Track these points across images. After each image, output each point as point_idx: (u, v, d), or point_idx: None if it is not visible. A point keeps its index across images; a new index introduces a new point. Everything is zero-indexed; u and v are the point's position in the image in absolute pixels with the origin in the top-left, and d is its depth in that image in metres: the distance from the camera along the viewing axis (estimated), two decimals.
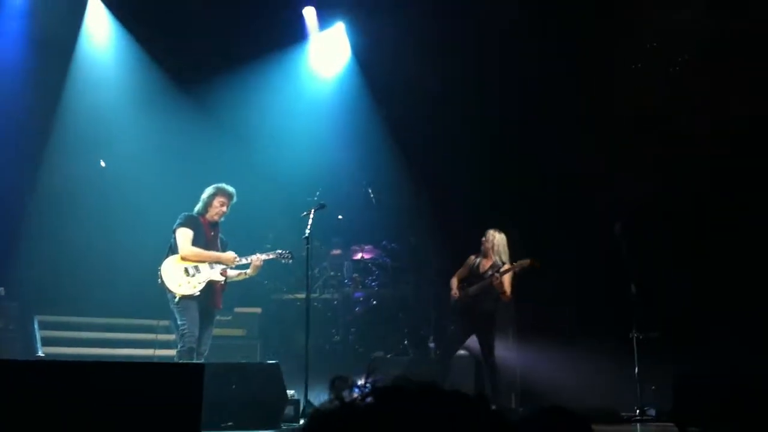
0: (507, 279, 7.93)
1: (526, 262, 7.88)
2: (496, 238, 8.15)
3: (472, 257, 8.33)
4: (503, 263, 8.00)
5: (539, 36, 9.77)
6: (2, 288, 9.01)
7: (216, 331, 7.43)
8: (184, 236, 7.07)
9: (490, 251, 8.14)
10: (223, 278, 7.11)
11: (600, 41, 9.55)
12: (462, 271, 8.37)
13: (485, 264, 8.17)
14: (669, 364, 7.70)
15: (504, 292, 7.92)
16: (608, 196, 9.37)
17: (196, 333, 6.89)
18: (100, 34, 10.47)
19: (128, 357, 8.97)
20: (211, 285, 7.04)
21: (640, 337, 7.93)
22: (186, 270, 6.99)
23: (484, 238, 8.21)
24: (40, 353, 8.60)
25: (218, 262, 7.13)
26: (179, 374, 4.03)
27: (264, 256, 7.25)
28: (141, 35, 10.40)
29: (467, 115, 10.53)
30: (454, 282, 8.33)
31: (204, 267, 7.07)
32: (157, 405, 3.64)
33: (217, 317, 7.51)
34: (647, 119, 9.44)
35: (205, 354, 7.03)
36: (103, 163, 9.24)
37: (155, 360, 8.59)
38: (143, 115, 10.21)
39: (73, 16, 10.22)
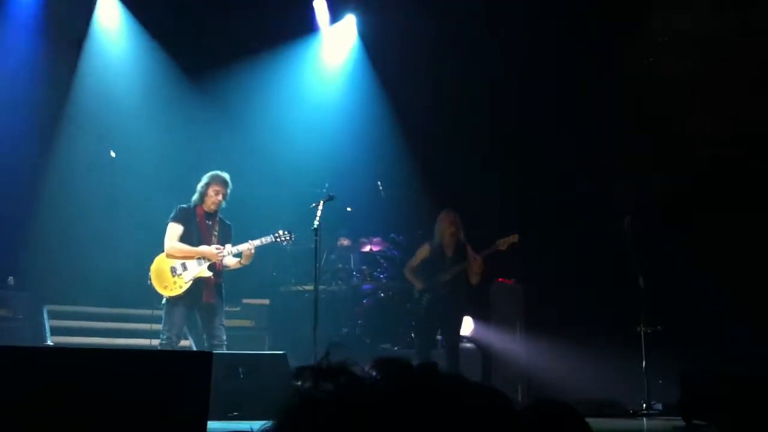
0: (479, 262, 7.76)
1: (512, 238, 7.69)
2: (457, 218, 7.89)
3: (427, 245, 8.05)
4: (467, 243, 7.79)
5: (552, 32, 9.74)
6: (12, 278, 9.07)
7: (225, 322, 7.37)
8: (170, 232, 6.96)
9: (457, 232, 7.83)
10: (210, 273, 6.92)
11: (610, 40, 9.55)
12: (416, 262, 8.10)
13: (449, 247, 7.89)
14: (676, 358, 7.69)
15: (480, 274, 7.75)
16: (617, 190, 9.35)
17: (175, 339, 6.85)
18: (111, 24, 10.49)
19: (138, 347, 9.00)
20: (199, 282, 6.90)
21: (648, 331, 7.91)
22: (173, 269, 6.89)
23: (445, 220, 7.87)
24: (49, 342, 8.64)
25: (202, 257, 6.94)
26: (187, 363, 4.04)
27: (257, 242, 6.97)
28: (151, 26, 10.42)
29: (477, 109, 10.52)
30: (409, 274, 8.12)
31: (191, 264, 6.91)
32: (165, 393, 3.66)
33: (226, 308, 7.44)
34: (659, 117, 9.40)
35: (224, 346, 6.93)
36: (113, 154, 9.26)
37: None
38: (153, 106, 10.23)
39: (85, 7, 10.25)
